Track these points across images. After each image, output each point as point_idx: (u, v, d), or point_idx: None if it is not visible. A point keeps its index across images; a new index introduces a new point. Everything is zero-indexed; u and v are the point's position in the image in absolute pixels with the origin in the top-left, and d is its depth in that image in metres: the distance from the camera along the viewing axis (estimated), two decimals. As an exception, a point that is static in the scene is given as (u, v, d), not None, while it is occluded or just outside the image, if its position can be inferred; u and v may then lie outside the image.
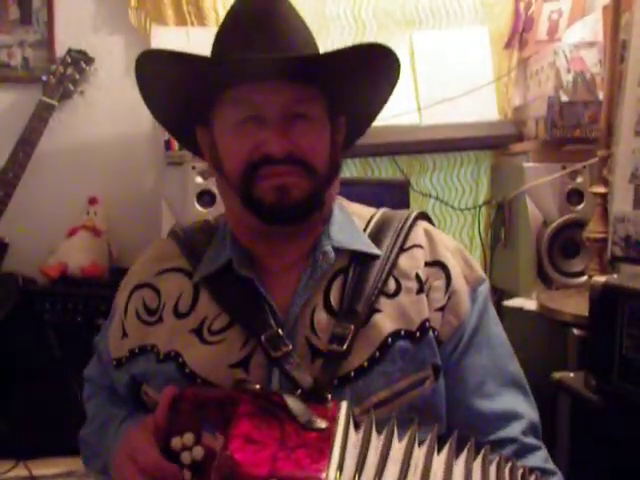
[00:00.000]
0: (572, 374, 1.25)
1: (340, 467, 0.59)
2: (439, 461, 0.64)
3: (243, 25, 0.79)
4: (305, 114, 0.80)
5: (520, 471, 0.69)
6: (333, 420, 0.65)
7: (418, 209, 0.93)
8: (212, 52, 0.84)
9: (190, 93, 0.82)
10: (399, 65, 0.82)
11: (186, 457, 0.66)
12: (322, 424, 0.64)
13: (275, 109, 0.78)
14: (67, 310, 1.96)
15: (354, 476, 0.58)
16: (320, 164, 0.80)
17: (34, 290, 2.01)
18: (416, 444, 0.65)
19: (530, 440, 0.82)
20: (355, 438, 0.63)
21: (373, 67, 0.81)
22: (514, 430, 0.81)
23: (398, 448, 0.64)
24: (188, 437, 0.66)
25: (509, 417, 0.82)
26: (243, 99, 0.79)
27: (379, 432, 0.66)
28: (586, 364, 1.13)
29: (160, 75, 0.81)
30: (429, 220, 0.92)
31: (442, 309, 0.82)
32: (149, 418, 0.71)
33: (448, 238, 0.90)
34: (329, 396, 0.71)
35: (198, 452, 0.65)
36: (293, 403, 0.65)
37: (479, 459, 0.67)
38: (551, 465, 0.83)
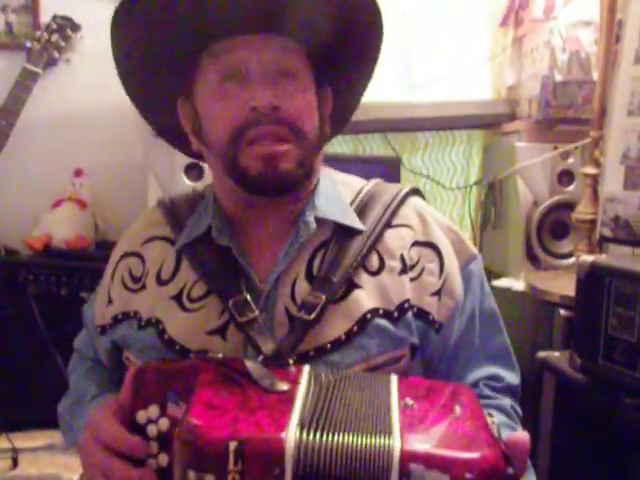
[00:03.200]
0: (557, 353, 1.25)
1: (301, 426, 0.58)
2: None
3: None
4: (291, 72, 0.77)
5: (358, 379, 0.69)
6: (294, 383, 0.65)
7: (408, 185, 0.91)
8: None
9: (168, 58, 0.79)
10: (382, 27, 0.80)
11: (152, 430, 0.65)
12: (284, 386, 0.64)
13: (259, 62, 0.76)
14: (51, 282, 1.94)
15: (315, 434, 0.58)
16: (308, 128, 0.78)
17: (17, 262, 1.98)
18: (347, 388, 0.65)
19: (490, 392, 0.83)
20: (317, 398, 0.63)
21: (358, 25, 0.79)
22: (480, 387, 0.83)
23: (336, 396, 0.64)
24: (153, 409, 0.65)
25: (486, 379, 0.83)
26: (223, 54, 0.76)
27: (331, 389, 0.65)
28: (572, 343, 1.13)
29: (136, 38, 0.78)
30: (421, 196, 0.91)
31: (438, 293, 0.81)
32: (111, 397, 0.71)
33: (440, 216, 0.89)
34: (291, 361, 0.70)
35: (163, 424, 0.64)
36: (254, 368, 0.65)
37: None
38: (509, 412, 0.83)
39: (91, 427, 0.70)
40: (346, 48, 0.82)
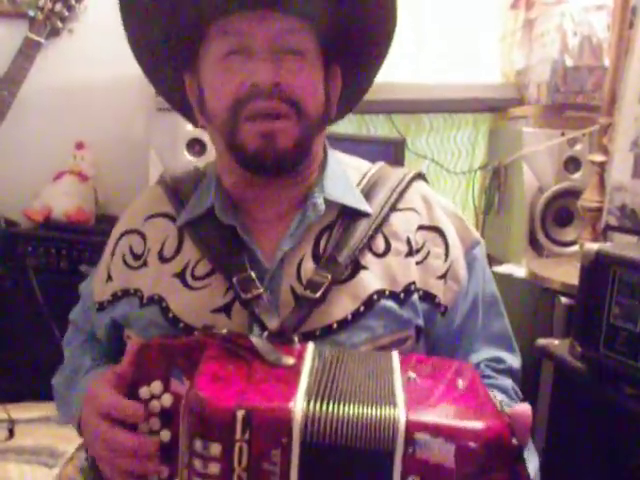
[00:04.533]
0: (557, 341, 1.24)
1: (308, 396, 0.59)
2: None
3: None
4: (296, 49, 0.77)
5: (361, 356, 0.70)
6: (300, 358, 0.65)
7: (413, 170, 0.91)
8: None
9: (176, 31, 0.79)
10: (396, 10, 0.79)
11: (155, 405, 0.65)
12: (289, 361, 0.65)
13: (264, 40, 0.75)
14: (50, 255, 1.93)
15: (321, 404, 0.58)
16: (311, 106, 0.77)
17: (17, 233, 1.97)
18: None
19: (493, 373, 0.84)
20: (322, 372, 0.64)
21: (369, 6, 0.78)
22: (484, 365, 0.84)
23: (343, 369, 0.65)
24: (156, 385, 0.65)
25: (487, 361, 0.84)
26: (229, 29, 0.76)
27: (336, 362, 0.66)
28: (572, 331, 1.12)
29: (144, 11, 0.78)
30: (425, 180, 0.91)
31: (444, 276, 0.82)
32: (107, 370, 0.71)
33: (445, 201, 0.89)
34: (296, 338, 0.71)
35: (166, 400, 0.64)
36: (260, 343, 0.65)
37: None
38: (506, 390, 0.83)
39: (90, 401, 0.70)
40: (356, 29, 0.81)
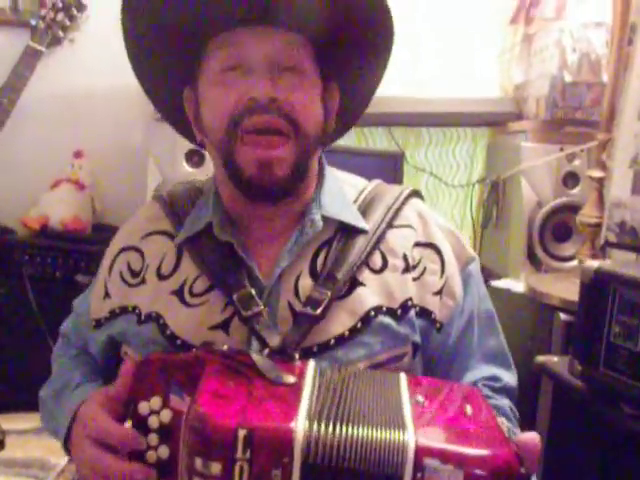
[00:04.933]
0: (556, 358, 1.24)
1: (309, 417, 0.58)
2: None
3: None
4: (295, 66, 0.76)
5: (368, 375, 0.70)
6: (301, 376, 0.65)
7: (411, 183, 0.93)
8: None
9: (174, 45, 0.79)
10: (392, 27, 0.79)
11: (154, 421, 0.64)
12: (290, 379, 0.64)
13: (262, 56, 0.75)
14: (46, 264, 1.92)
15: (325, 425, 0.58)
16: (309, 123, 0.77)
17: (13, 241, 1.96)
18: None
19: (490, 393, 0.83)
20: (325, 391, 0.63)
21: (366, 22, 0.78)
22: (481, 384, 0.83)
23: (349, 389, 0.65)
24: (155, 401, 0.64)
25: (484, 380, 0.84)
26: (228, 44, 0.76)
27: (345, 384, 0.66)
28: (572, 349, 1.12)
29: (144, 24, 0.78)
30: (421, 197, 0.91)
31: (439, 292, 0.82)
32: (100, 391, 0.70)
33: (439, 218, 0.89)
34: (296, 355, 0.70)
35: (165, 415, 0.63)
36: (261, 360, 0.65)
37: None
38: (506, 412, 0.83)
39: (81, 423, 0.69)
40: (354, 45, 0.81)
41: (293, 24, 0.76)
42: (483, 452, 0.57)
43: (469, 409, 0.63)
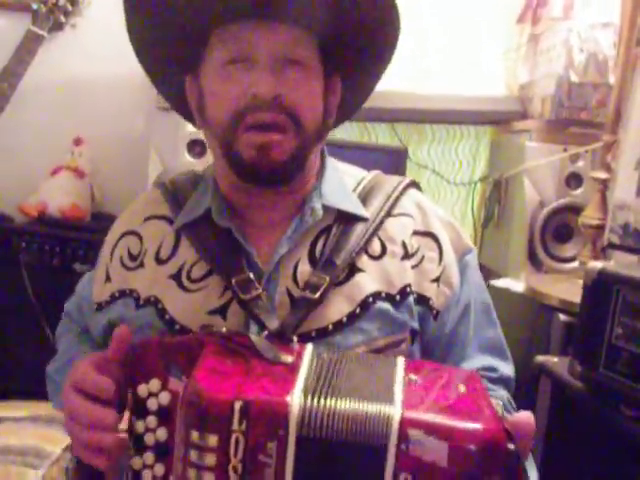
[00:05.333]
0: (555, 359, 1.23)
1: (305, 391, 0.60)
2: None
3: None
4: (298, 60, 0.77)
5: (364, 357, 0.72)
6: (299, 357, 0.66)
7: (407, 178, 0.91)
8: None
9: (178, 35, 0.79)
10: (399, 23, 0.79)
11: (152, 403, 0.65)
12: (288, 359, 0.65)
13: (266, 50, 0.75)
14: (43, 251, 1.91)
15: (318, 399, 0.59)
16: (309, 119, 0.78)
17: (10, 228, 1.94)
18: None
19: (488, 384, 0.83)
20: (320, 369, 0.64)
21: (372, 18, 0.78)
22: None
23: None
24: (154, 383, 0.65)
25: (481, 370, 0.84)
26: (232, 37, 0.76)
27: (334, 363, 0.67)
28: (572, 349, 1.11)
29: (147, 14, 0.78)
30: (419, 189, 0.92)
31: (437, 280, 0.83)
32: (95, 353, 0.72)
33: (436, 208, 0.90)
34: (295, 338, 0.71)
35: (164, 397, 0.64)
36: (259, 341, 0.66)
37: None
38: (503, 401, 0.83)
39: (68, 376, 0.70)
40: (358, 40, 0.81)
41: (299, 19, 0.75)
42: (470, 425, 0.57)
43: (462, 388, 0.63)
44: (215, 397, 0.58)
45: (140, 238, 0.85)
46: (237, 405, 0.57)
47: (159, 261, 0.82)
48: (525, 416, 0.62)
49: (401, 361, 0.68)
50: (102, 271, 0.87)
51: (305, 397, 0.58)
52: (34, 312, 1.82)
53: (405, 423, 0.57)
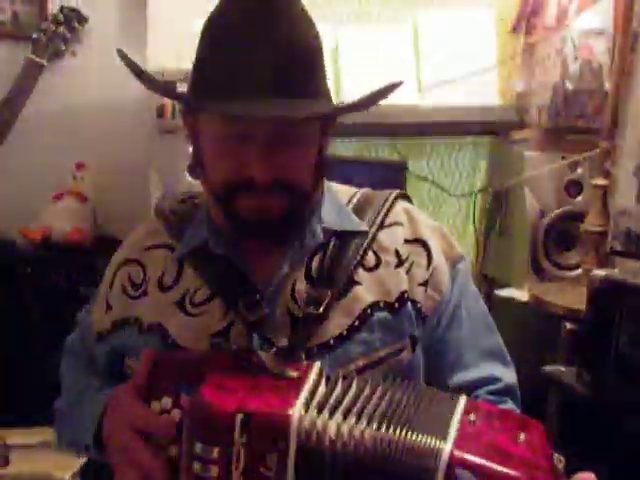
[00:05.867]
0: (563, 368, 1.23)
1: (306, 406, 0.60)
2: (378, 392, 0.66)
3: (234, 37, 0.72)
4: (298, 137, 0.76)
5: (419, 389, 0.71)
6: (305, 373, 0.67)
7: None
8: (197, 61, 0.77)
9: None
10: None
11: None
12: (294, 374, 0.66)
13: (266, 130, 0.74)
14: (48, 276, 1.91)
15: (319, 415, 0.60)
16: (304, 185, 0.78)
17: (15, 254, 1.95)
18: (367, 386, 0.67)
19: (494, 398, 0.83)
20: (324, 388, 0.65)
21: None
22: (481, 391, 0.84)
23: (353, 390, 0.66)
24: (166, 401, 0.66)
25: (483, 382, 0.84)
26: (232, 115, 0.74)
27: (342, 382, 0.68)
28: (580, 358, 1.11)
29: None
30: (409, 200, 0.93)
31: (425, 284, 0.83)
32: (126, 383, 0.73)
33: (427, 217, 0.91)
34: (302, 355, 0.72)
35: (175, 415, 0.65)
36: (267, 358, 0.67)
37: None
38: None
39: (115, 411, 0.72)
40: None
41: (302, 96, 0.74)
42: (517, 474, 0.56)
43: (522, 436, 0.62)
44: (217, 409, 0.60)
45: (142, 266, 0.86)
46: (239, 417, 0.59)
47: (163, 288, 0.83)
48: (587, 476, 0.62)
49: (463, 400, 0.67)
50: (102, 300, 0.88)
51: (306, 410, 0.59)
52: (40, 337, 1.82)
53: (454, 460, 0.57)
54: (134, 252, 0.88)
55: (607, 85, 1.74)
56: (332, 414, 0.60)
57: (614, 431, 1.05)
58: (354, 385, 0.67)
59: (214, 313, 0.79)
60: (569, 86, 1.85)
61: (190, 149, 0.86)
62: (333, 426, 0.59)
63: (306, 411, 0.59)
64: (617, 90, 1.56)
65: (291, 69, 0.72)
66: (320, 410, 0.60)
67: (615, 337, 1.01)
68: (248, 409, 0.59)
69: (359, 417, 0.61)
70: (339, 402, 0.63)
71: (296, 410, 0.59)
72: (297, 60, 0.73)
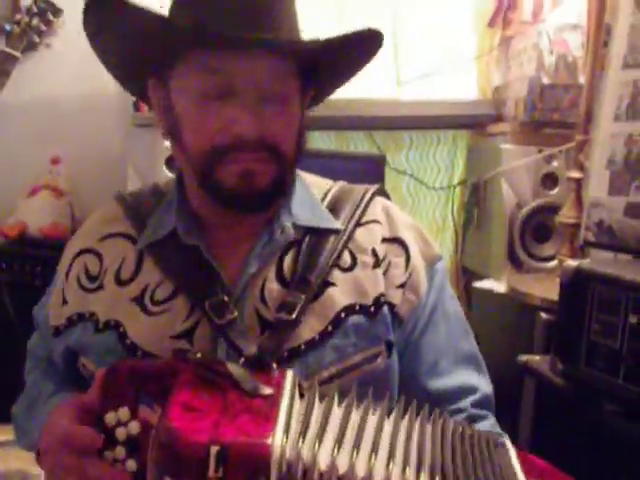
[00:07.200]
0: (538, 357, 1.25)
1: (286, 432, 0.55)
2: (372, 420, 0.62)
3: None
4: (280, 95, 0.74)
5: (461, 428, 0.67)
6: (278, 387, 0.62)
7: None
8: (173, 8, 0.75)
9: (143, 46, 0.74)
10: (382, 43, 0.78)
11: (121, 433, 0.61)
12: (267, 390, 0.61)
13: (250, 83, 0.72)
14: (24, 271, 1.89)
15: (299, 441, 0.55)
16: (289, 149, 0.76)
17: (-10, 250, 1.93)
18: (354, 408, 0.63)
19: (478, 411, 0.81)
20: (300, 406, 0.60)
21: (358, 49, 0.77)
22: (465, 403, 0.81)
23: (338, 413, 0.62)
24: (123, 412, 0.61)
25: (462, 392, 0.82)
26: (210, 69, 0.71)
27: (322, 401, 0.63)
28: (553, 347, 1.12)
29: (109, 23, 0.73)
30: (387, 196, 0.91)
31: (402, 286, 0.80)
32: (70, 399, 0.69)
33: (405, 215, 0.89)
34: (274, 364, 0.68)
35: (134, 427, 0.61)
36: (236, 370, 0.61)
37: (419, 418, 0.65)
38: (497, 430, 0.82)
39: (48, 430, 0.67)
40: (339, 60, 0.79)
41: (282, 49, 0.72)
42: None
43: None
44: (189, 440, 0.53)
45: (99, 257, 0.81)
46: (213, 450, 0.53)
47: (120, 282, 0.78)
48: None
49: (514, 452, 0.64)
50: (58, 293, 0.83)
51: (287, 438, 0.54)
52: (15, 333, 1.80)
53: None
54: (91, 240, 0.83)
55: (582, 79, 1.76)
56: (319, 441, 0.55)
57: (587, 418, 1.07)
58: (335, 403, 0.62)
59: (177, 313, 0.74)
60: (545, 80, 1.87)
61: (167, 142, 0.85)
62: (323, 456, 0.54)
63: (287, 437, 0.54)
64: (591, 84, 1.58)
65: (269, 4, 0.71)
66: (303, 435, 0.55)
67: (587, 326, 1.03)
68: (223, 440, 0.53)
69: (374, 451, 0.56)
70: (323, 426, 0.58)
71: (277, 438, 0.54)
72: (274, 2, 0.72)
